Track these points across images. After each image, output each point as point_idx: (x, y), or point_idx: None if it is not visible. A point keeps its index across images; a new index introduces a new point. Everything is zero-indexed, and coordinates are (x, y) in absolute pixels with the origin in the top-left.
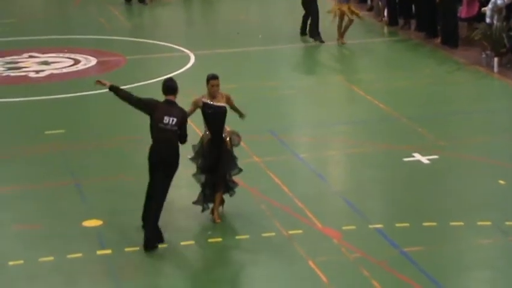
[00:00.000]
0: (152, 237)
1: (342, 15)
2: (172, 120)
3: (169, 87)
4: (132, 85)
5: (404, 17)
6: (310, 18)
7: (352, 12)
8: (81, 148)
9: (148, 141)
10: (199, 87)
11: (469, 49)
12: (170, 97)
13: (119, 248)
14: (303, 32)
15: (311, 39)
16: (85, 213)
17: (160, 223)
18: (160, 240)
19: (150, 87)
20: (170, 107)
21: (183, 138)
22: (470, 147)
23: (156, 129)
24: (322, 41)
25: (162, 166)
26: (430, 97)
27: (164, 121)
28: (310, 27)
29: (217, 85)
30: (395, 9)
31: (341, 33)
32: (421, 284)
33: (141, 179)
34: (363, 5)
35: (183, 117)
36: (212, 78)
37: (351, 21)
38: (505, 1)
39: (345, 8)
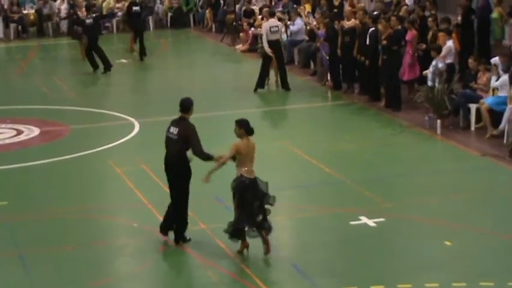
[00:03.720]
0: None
1: None
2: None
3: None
4: (76, 154)
5: (347, 81)
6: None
7: None
8: (24, 219)
9: None
10: (145, 154)
11: (412, 112)
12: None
13: None
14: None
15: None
16: (29, 284)
17: None
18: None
19: (93, 156)
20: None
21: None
22: (416, 208)
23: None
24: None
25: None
26: (374, 160)
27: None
28: (282, 78)
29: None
30: (339, 74)
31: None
32: None
33: (85, 249)
34: (307, 69)
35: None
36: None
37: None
38: (445, 63)
39: None
